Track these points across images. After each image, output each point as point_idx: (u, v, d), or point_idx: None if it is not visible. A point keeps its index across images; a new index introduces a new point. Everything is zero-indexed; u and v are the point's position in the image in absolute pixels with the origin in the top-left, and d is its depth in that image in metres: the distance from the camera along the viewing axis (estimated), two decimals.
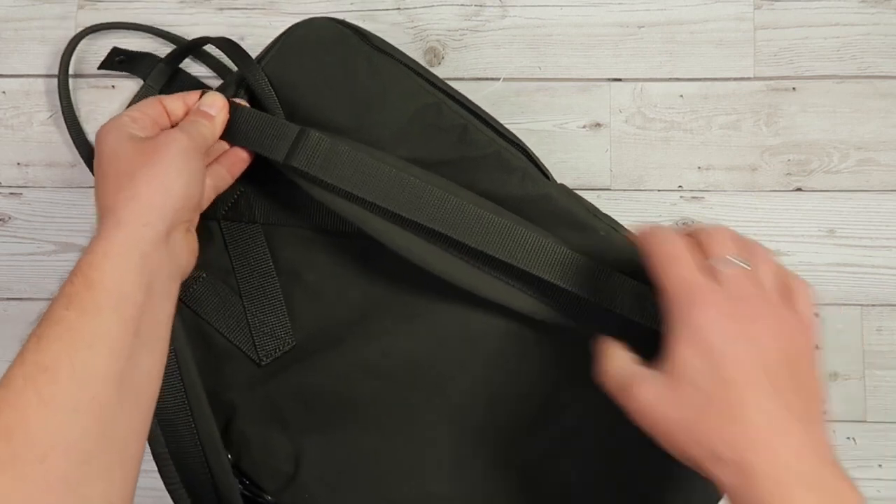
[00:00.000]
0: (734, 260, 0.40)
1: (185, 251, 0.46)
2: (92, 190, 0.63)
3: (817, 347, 0.41)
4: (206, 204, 0.50)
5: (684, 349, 0.38)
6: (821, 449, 0.37)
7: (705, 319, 0.38)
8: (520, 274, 0.48)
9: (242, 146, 0.51)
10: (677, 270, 0.40)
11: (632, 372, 0.41)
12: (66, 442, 0.36)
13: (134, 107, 0.49)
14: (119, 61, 0.64)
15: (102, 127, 0.47)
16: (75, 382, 0.37)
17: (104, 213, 0.43)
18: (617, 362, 0.42)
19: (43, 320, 0.39)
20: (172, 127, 0.49)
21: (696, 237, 0.42)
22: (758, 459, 0.36)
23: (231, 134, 0.51)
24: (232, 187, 0.54)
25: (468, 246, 0.47)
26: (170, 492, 0.49)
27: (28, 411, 0.35)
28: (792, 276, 0.42)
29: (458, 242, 0.48)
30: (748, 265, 0.40)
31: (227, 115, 0.50)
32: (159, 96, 0.50)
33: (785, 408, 0.37)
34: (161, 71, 0.62)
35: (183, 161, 0.45)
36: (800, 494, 0.35)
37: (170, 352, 0.48)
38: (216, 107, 0.50)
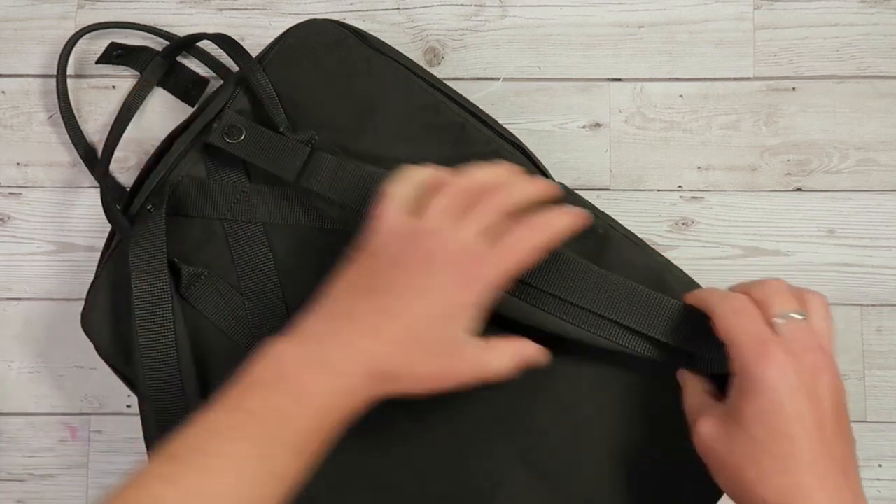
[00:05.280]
0: (793, 314, 0.42)
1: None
2: (91, 189, 0.63)
3: None
4: None
5: (749, 401, 0.41)
6: (858, 499, 0.40)
7: (770, 375, 0.40)
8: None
9: (257, 163, 0.53)
10: (745, 324, 0.42)
11: (701, 404, 0.44)
12: None
13: (438, 172, 0.46)
14: (117, 55, 0.64)
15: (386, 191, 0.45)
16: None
17: (339, 315, 0.43)
18: (691, 391, 0.46)
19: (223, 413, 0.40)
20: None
21: (750, 293, 0.44)
22: None
23: (248, 152, 0.53)
24: (235, 188, 0.54)
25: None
26: None
27: None
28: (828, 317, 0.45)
29: None
30: (804, 315, 0.43)
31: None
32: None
33: (829, 457, 0.40)
34: (159, 64, 0.62)
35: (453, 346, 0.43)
36: None
37: (172, 348, 0.50)
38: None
